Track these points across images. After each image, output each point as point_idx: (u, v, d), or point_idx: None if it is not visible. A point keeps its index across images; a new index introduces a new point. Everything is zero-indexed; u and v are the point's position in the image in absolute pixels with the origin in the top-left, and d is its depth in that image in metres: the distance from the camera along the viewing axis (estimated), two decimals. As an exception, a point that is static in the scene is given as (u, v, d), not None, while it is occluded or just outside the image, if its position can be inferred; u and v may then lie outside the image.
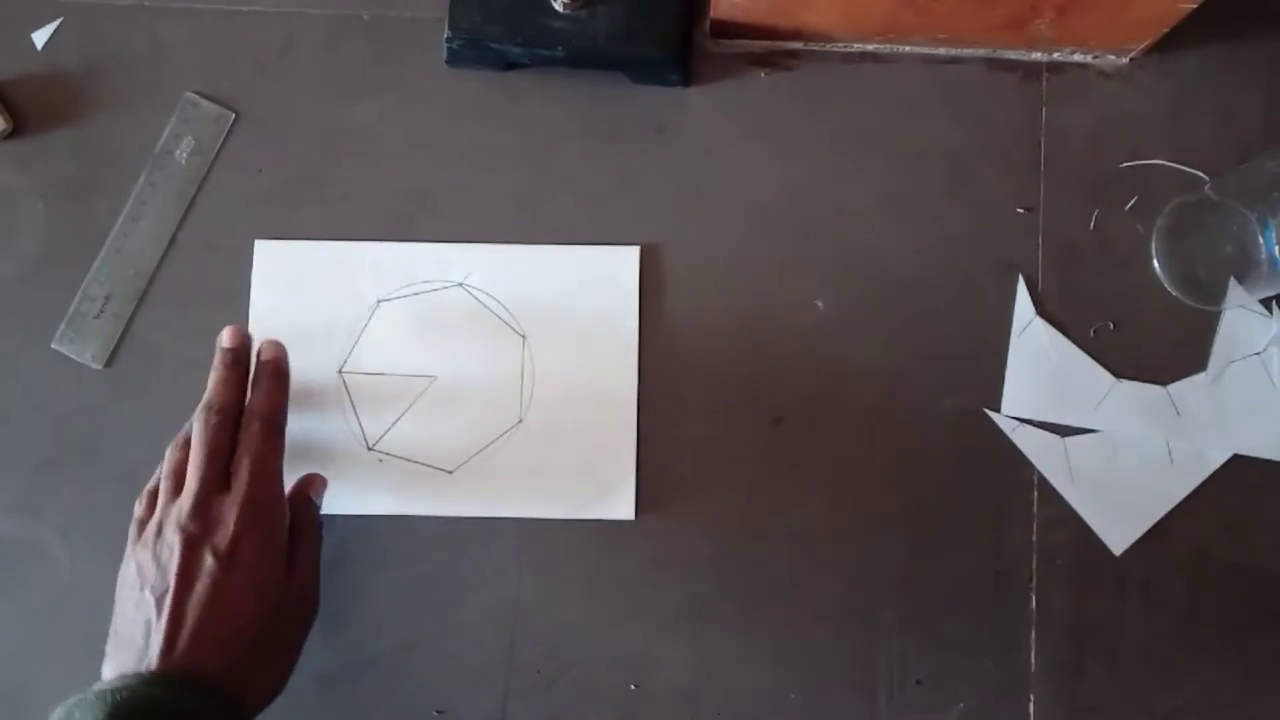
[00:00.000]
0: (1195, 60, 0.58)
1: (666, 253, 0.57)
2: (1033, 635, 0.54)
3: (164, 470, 0.49)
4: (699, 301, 0.56)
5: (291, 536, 0.49)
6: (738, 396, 0.56)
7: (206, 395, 0.49)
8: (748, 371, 0.56)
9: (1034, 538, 0.54)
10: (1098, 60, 0.58)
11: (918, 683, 0.54)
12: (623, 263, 0.56)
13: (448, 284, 0.56)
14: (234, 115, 0.58)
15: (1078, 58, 0.58)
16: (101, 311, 0.56)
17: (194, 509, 0.46)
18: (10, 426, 0.56)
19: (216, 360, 0.50)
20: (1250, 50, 0.58)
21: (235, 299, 0.56)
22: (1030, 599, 0.54)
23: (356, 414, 0.56)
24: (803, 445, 0.55)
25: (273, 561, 0.47)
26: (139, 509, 0.49)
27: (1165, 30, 0.54)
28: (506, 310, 0.56)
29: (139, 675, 0.43)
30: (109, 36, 0.58)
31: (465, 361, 0.56)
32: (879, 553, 0.55)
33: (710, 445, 0.55)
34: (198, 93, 0.58)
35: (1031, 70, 0.58)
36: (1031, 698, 0.53)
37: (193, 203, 0.57)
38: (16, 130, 0.58)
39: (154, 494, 0.49)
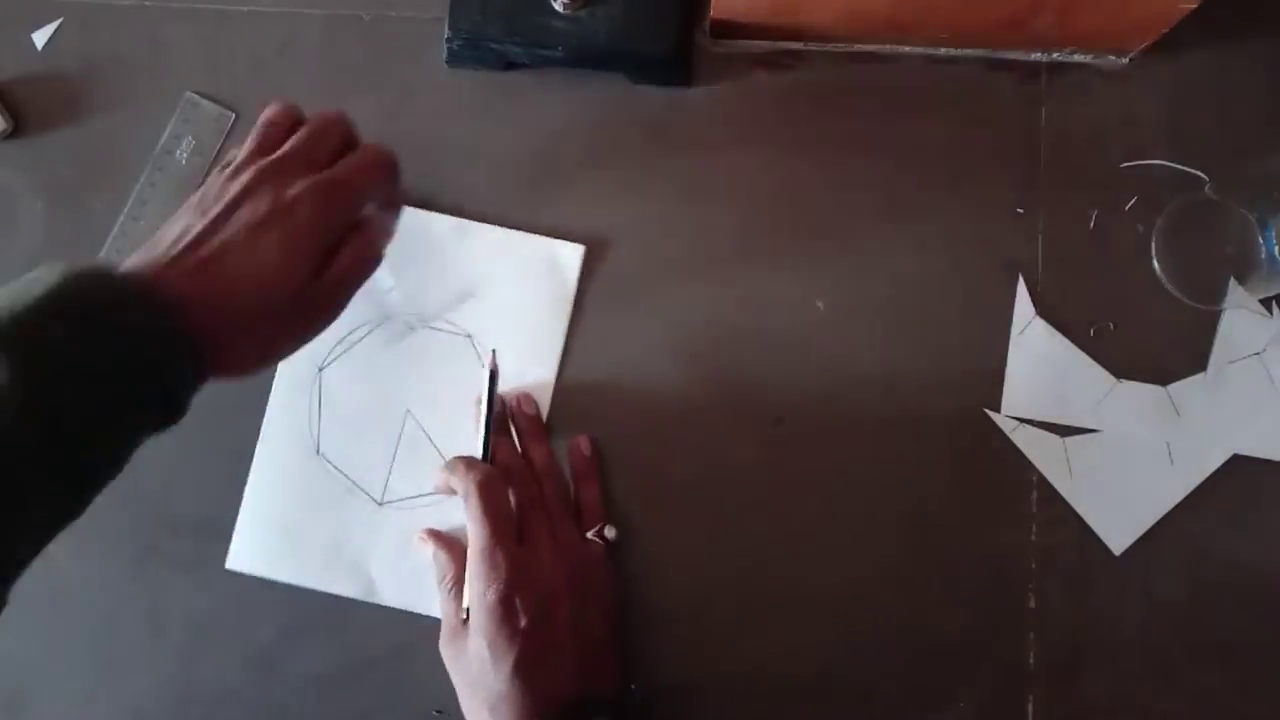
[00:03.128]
0: (1195, 60, 0.58)
1: (666, 251, 0.57)
2: (1032, 635, 0.54)
3: (266, 118, 0.47)
4: (699, 301, 0.56)
5: (346, 240, 0.46)
6: (737, 396, 0.56)
7: (324, 113, 0.48)
8: (748, 371, 0.56)
9: (1033, 537, 0.54)
10: (1097, 60, 0.58)
11: (917, 682, 0.54)
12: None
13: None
14: (234, 115, 0.58)
15: (1078, 58, 0.58)
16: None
17: (279, 165, 0.44)
18: (10, 426, 0.56)
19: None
20: (1250, 50, 0.58)
21: (235, 299, 0.56)
22: (1029, 599, 0.54)
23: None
24: (803, 445, 0.55)
25: (316, 251, 0.44)
26: (242, 154, 0.46)
27: (1165, 30, 0.54)
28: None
29: (126, 277, 0.40)
30: (109, 36, 0.59)
31: (427, 382, 0.56)
32: (878, 552, 0.55)
33: (710, 445, 0.55)
34: (198, 93, 0.58)
35: (1031, 70, 0.58)
36: (1030, 698, 0.53)
37: (193, 202, 0.57)
38: (17, 130, 0.58)
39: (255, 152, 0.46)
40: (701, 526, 0.55)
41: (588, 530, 0.53)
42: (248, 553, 0.55)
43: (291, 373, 0.56)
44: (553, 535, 0.51)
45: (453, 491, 0.52)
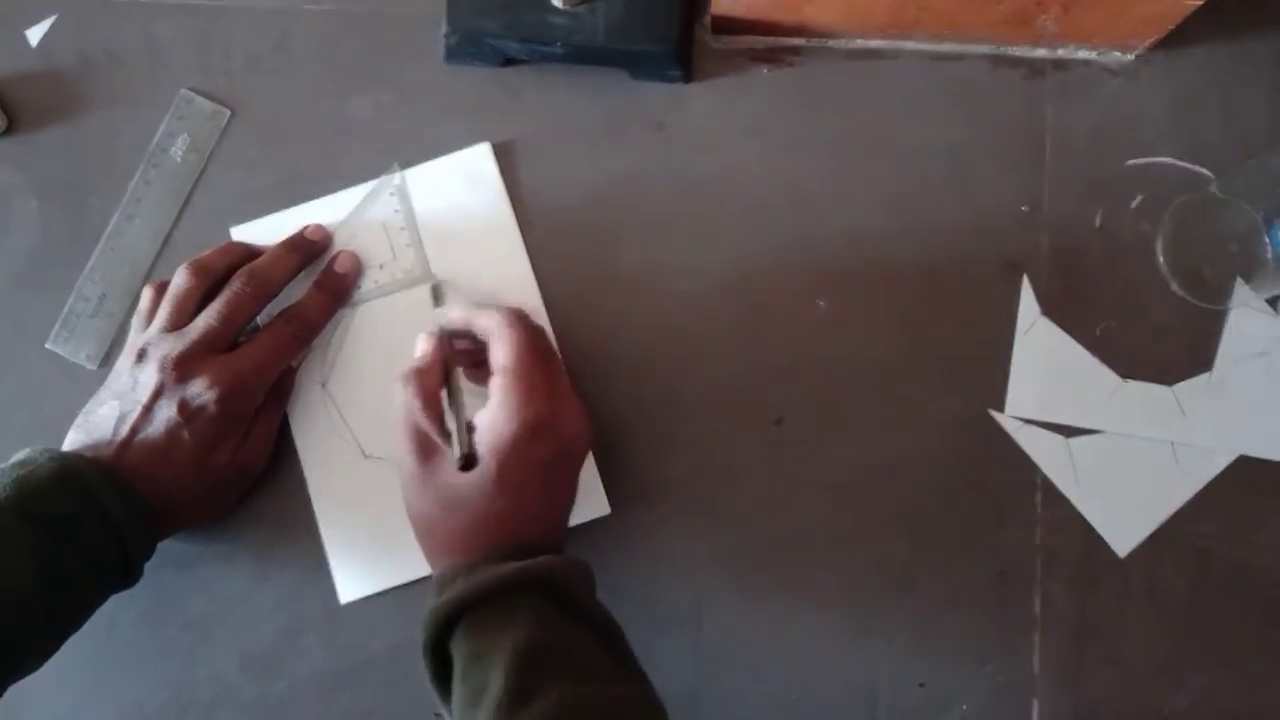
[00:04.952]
0: (1201, 57, 0.57)
1: (666, 250, 0.56)
2: (1036, 637, 0.54)
3: (174, 290, 0.51)
4: (699, 300, 0.56)
5: (261, 403, 0.52)
6: (738, 396, 0.55)
7: (255, 262, 0.52)
8: (748, 371, 0.55)
9: (1038, 539, 0.54)
10: (1102, 57, 0.57)
11: (920, 685, 0.54)
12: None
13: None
14: (230, 112, 0.58)
15: (1082, 54, 0.57)
16: (97, 311, 0.56)
17: (182, 358, 0.49)
18: (4, 428, 0.55)
19: (284, 240, 0.54)
20: (1256, 47, 0.57)
21: (232, 298, 0.56)
22: (1034, 600, 0.54)
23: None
24: (804, 445, 0.55)
25: (227, 441, 0.50)
26: (145, 301, 0.52)
27: (1170, 27, 0.53)
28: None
29: (97, 462, 0.48)
30: (104, 33, 0.58)
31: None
32: (881, 554, 0.54)
33: (710, 445, 0.55)
34: (193, 89, 0.58)
35: (1036, 67, 0.57)
36: (1035, 700, 0.53)
37: (188, 200, 0.57)
38: (11, 128, 0.57)
39: (160, 292, 0.52)
40: (701, 526, 0.55)
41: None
42: (354, 579, 0.55)
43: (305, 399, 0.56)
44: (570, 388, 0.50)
45: (470, 326, 0.50)
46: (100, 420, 0.49)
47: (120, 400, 0.49)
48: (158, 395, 0.49)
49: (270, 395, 0.53)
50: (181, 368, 0.49)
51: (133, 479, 0.48)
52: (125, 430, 0.49)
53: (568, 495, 0.49)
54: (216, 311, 0.50)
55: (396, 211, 0.56)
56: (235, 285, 0.51)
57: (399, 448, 0.48)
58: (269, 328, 0.52)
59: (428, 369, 0.50)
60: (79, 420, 0.50)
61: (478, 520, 0.46)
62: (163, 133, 0.57)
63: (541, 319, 0.55)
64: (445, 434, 0.48)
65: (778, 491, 0.55)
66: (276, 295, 0.53)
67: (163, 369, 0.49)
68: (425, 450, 0.48)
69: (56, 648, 0.48)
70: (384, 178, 0.56)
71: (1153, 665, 0.53)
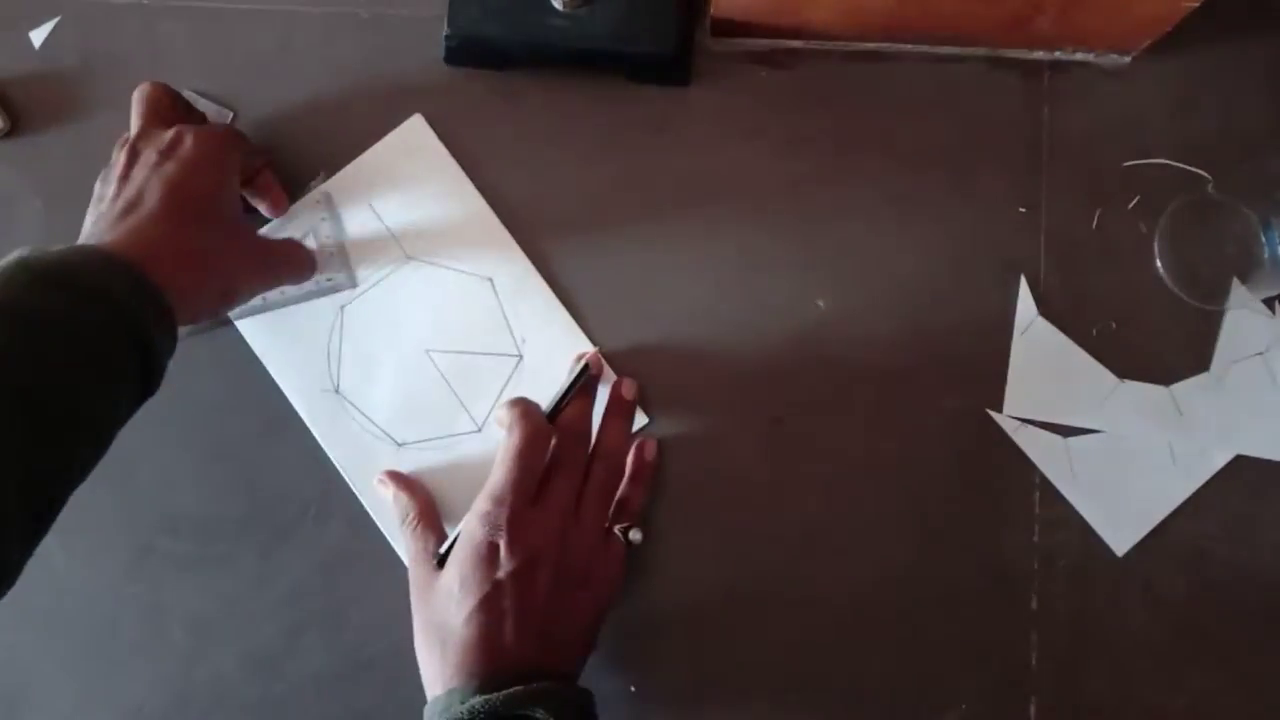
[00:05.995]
0: (1198, 59, 0.57)
1: (666, 251, 0.56)
2: (1034, 636, 0.54)
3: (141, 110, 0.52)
4: (699, 301, 0.56)
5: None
6: (737, 396, 0.55)
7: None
8: (748, 371, 0.56)
9: (1036, 538, 0.54)
10: (1100, 59, 0.57)
11: (920, 684, 0.54)
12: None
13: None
14: (232, 114, 0.58)
15: (1080, 56, 0.57)
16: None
17: (144, 132, 0.50)
18: (8, 426, 0.56)
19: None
20: (1253, 48, 0.57)
21: (234, 298, 0.56)
22: (1032, 600, 0.54)
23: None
24: (803, 445, 0.55)
25: (201, 170, 0.48)
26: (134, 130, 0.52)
27: (1168, 29, 0.53)
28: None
29: (75, 248, 0.43)
30: (107, 35, 0.58)
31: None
32: (880, 553, 0.54)
33: (710, 445, 0.55)
34: (195, 90, 0.58)
35: (1033, 69, 0.58)
36: (1033, 699, 0.53)
37: (191, 202, 0.57)
38: (14, 129, 0.58)
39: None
40: (701, 526, 0.55)
41: (617, 525, 0.52)
42: None
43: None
44: (573, 507, 0.50)
45: (502, 425, 0.50)
46: (93, 212, 0.48)
47: (104, 182, 0.49)
48: (132, 158, 0.49)
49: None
50: (151, 133, 0.50)
51: (133, 256, 0.43)
52: (105, 205, 0.47)
53: (551, 617, 0.48)
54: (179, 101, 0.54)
55: (324, 219, 0.56)
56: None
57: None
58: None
59: (423, 510, 0.53)
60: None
61: (446, 642, 0.47)
62: (165, 134, 0.57)
63: (531, 278, 0.56)
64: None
65: (777, 492, 0.55)
66: None
67: (138, 138, 0.50)
68: (425, 581, 0.50)
69: (65, 464, 0.41)
70: (312, 184, 0.57)
71: (1150, 664, 0.53)
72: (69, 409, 0.40)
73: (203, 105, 0.57)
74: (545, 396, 0.52)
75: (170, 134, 0.49)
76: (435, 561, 0.50)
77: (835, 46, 0.58)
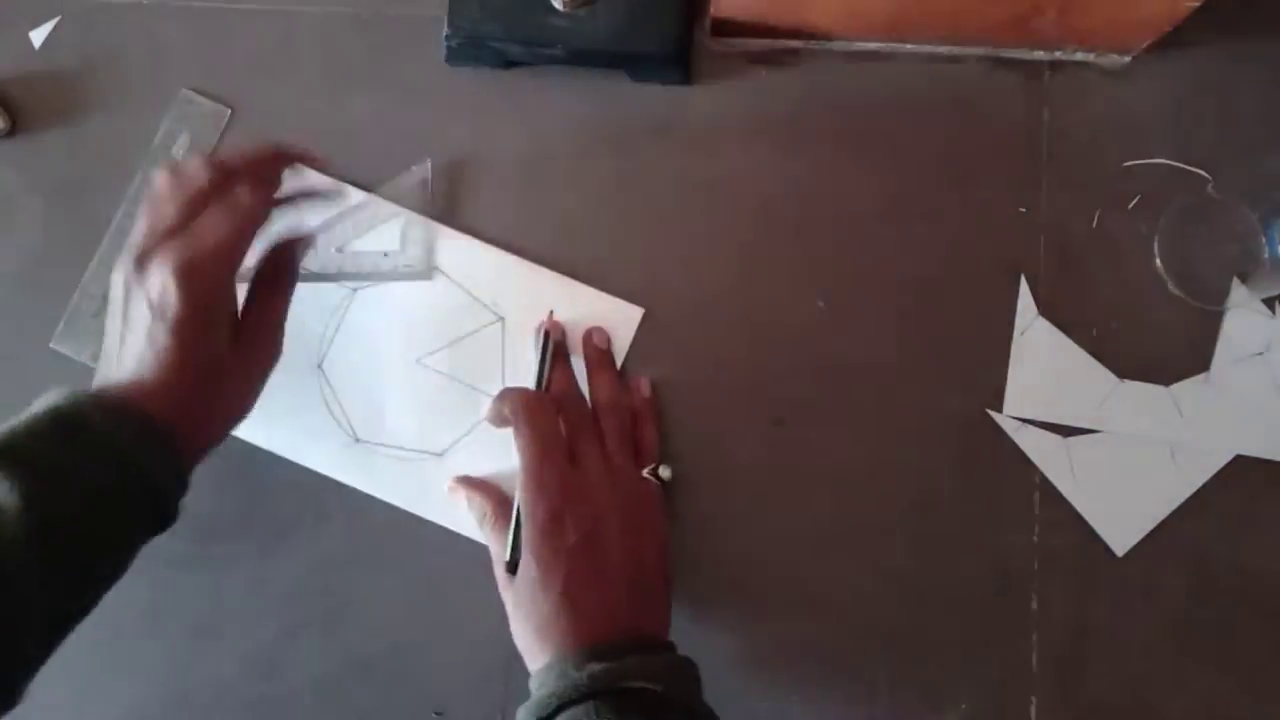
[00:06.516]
0: (1198, 59, 0.57)
1: (666, 251, 0.56)
2: (1034, 636, 0.54)
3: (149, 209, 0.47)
4: (699, 301, 0.56)
5: (258, 288, 0.50)
6: (738, 396, 0.55)
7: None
8: (748, 371, 0.56)
9: (1035, 538, 0.54)
10: (1100, 59, 0.57)
11: (919, 684, 0.54)
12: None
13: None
14: (230, 111, 0.58)
15: (1080, 56, 0.57)
16: (100, 310, 0.56)
17: (142, 252, 0.46)
18: (8, 426, 0.56)
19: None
20: (1254, 49, 0.57)
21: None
22: (1032, 600, 0.54)
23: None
24: (803, 446, 0.55)
25: (213, 331, 0.47)
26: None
27: (1167, 29, 0.53)
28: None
29: (90, 396, 0.44)
30: (106, 34, 0.58)
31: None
32: (880, 553, 0.54)
33: (710, 445, 0.55)
34: (194, 89, 0.58)
35: (1033, 69, 0.58)
36: (1033, 699, 0.53)
37: (191, 201, 0.57)
38: (14, 129, 0.58)
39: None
40: (701, 526, 0.55)
41: (642, 469, 0.52)
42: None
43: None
44: (605, 463, 0.50)
45: (507, 422, 0.50)
46: (104, 350, 0.47)
47: (110, 319, 0.47)
48: (128, 297, 0.46)
49: (267, 281, 0.50)
50: (141, 260, 0.45)
51: (140, 401, 0.44)
52: (118, 348, 0.46)
53: (630, 566, 0.48)
54: (183, 200, 0.46)
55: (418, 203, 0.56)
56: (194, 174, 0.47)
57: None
58: (211, 208, 0.47)
59: (497, 508, 0.52)
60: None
61: (544, 622, 0.47)
62: (164, 132, 0.58)
63: (469, 248, 0.56)
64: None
65: (778, 492, 0.55)
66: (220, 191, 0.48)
67: (125, 266, 0.46)
68: (508, 576, 0.50)
69: (79, 602, 0.44)
70: (414, 168, 0.56)
71: (1150, 664, 0.53)
72: (84, 554, 0.43)
73: (201, 104, 0.58)
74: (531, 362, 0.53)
75: (158, 288, 0.45)
76: (507, 561, 0.49)
77: (835, 46, 0.58)
